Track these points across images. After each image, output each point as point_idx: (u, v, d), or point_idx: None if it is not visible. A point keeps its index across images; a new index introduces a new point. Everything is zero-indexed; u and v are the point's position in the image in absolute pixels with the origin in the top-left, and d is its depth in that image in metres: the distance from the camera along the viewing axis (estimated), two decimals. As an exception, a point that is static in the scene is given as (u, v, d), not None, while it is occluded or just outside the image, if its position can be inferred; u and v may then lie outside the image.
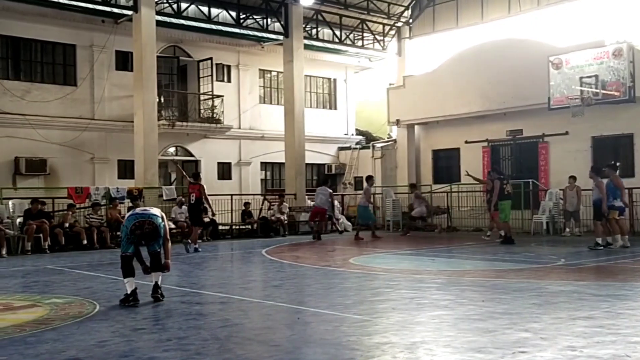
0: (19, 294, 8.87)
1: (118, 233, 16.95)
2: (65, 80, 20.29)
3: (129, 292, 7.66)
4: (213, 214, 16.83)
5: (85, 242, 16.17)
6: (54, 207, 17.24)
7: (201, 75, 23.36)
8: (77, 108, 20.20)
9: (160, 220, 7.71)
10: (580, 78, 18.41)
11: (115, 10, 19.69)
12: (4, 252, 14.68)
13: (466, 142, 23.10)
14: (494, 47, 21.53)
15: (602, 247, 13.64)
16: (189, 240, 14.86)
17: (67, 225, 16.46)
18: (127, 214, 8.07)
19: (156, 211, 7.89)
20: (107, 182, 19.75)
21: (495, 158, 22.63)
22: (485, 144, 22.68)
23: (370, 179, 19.54)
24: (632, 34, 18.91)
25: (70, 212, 16.81)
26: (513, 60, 20.61)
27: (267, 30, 22.88)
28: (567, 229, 18.40)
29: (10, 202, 16.35)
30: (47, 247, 15.55)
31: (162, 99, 21.91)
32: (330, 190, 19.25)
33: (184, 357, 5.16)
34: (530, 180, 20.63)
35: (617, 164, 14.44)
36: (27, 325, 6.53)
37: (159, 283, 7.99)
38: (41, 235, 15.57)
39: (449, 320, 6.49)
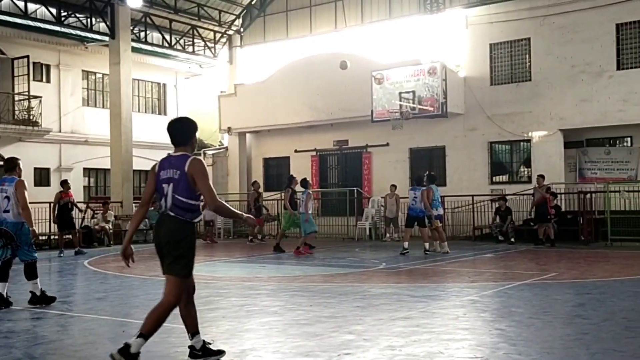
0: None
1: None
2: None
3: (39, 292, 8.15)
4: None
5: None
6: None
7: (16, 74, 21.66)
8: None
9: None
10: (400, 93, 19.66)
11: None
12: None
13: (296, 150, 23.69)
14: (322, 60, 22.29)
15: (407, 252, 14.11)
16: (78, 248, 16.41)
17: None
18: (23, 220, 8.05)
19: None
20: None
21: (324, 167, 23.43)
22: (314, 153, 23.40)
23: (294, 181, 16.34)
24: (445, 54, 20.59)
25: None
26: (340, 73, 21.42)
27: (91, 30, 21.77)
28: (388, 235, 19.51)
29: None
30: None
31: (-30, 98, 19.97)
32: None
33: (-8, 380, 4.72)
34: (355, 188, 21.60)
35: (433, 173, 15.45)
36: None
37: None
38: None
39: (279, 326, 6.59)
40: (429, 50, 20.81)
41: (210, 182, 4.95)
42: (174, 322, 6.75)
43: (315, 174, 23.41)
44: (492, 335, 6.00)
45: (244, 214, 5.35)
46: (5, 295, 8.08)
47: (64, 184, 16.91)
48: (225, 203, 5.13)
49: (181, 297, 5.06)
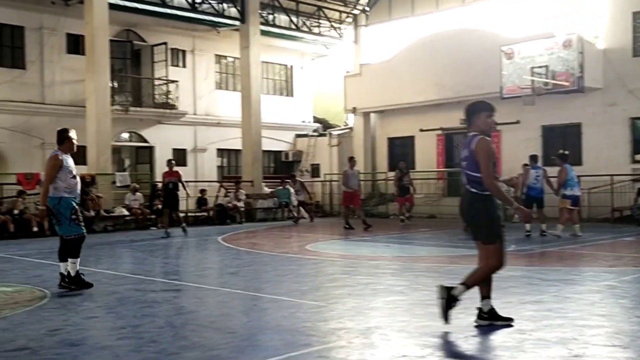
0: (-34, 283, 8.63)
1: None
2: (13, 63, 19.70)
3: (74, 273, 7.69)
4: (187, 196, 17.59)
5: (35, 229, 15.79)
6: (2, 194, 16.78)
7: (155, 60, 22.97)
8: (26, 92, 19.65)
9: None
10: (532, 68, 18.80)
11: (66, -9, 19.20)
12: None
13: (421, 130, 23.37)
14: (449, 36, 21.78)
15: (529, 234, 13.62)
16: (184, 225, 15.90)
17: (16, 212, 16.04)
18: (61, 196, 7.62)
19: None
20: (58, 168, 19.27)
21: (449, 146, 22.98)
22: (440, 132, 22.98)
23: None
24: (582, 25, 19.38)
25: (20, 199, 16.38)
26: (467, 49, 20.89)
27: (223, 16, 22.60)
28: (517, 216, 18.78)
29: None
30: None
31: (116, 84, 21.48)
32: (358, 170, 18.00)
33: (138, 345, 5.11)
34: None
35: (566, 152, 14.64)
36: (-26, 315, 6.37)
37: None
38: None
39: (404, 305, 6.60)
40: (563, 22, 19.67)
41: (489, 162, 5.39)
42: (302, 299, 6.98)
43: (441, 154, 23.01)
44: (632, 323, 5.66)
45: (515, 203, 5.91)
46: (73, 274, 7.70)
47: (168, 163, 16.20)
48: (498, 185, 5.55)
49: (502, 261, 5.59)
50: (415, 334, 5.33)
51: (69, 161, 7.75)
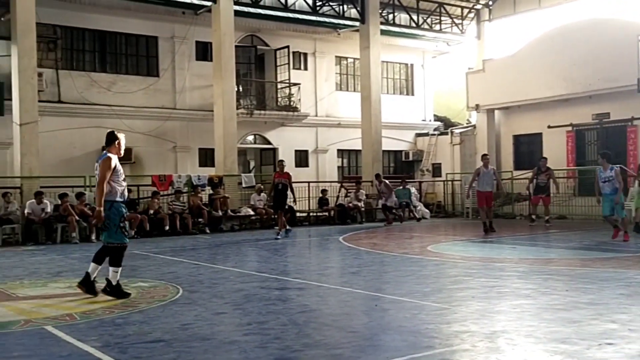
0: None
1: (200, 220, 17.53)
2: (148, 71, 20.97)
3: (115, 282, 7.40)
4: (294, 202, 17.68)
5: (167, 227, 16.71)
6: (139, 194, 17.89)
7: (278, 64, 23.58)
8: (159, 98, 20.86)
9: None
10: (674, 57, 17.43)
11: (195, 1, 20.10)
12: (93, 237, 15.40)
13: (549, 126, 22.33)
14: (579, 27, 20.67)
15: None
16: (288, 227, 15.75)
17: (151, 211, 17.07)
18: (114, 199, 7.36)
19: None
20: (189, 169, 20.33)
21: (580, 143, 21.80)
22: (570, 128, 21.85)
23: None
24: None
25: (155, 199, 17.40)
26: (599, 40, 19.72)
27: (343, 17, 22.80)
28: None
29: (99, 190, 17.08)
30: (133, 234, 16.18)
31: (241, 88, 22.28)
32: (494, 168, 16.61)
33: (263, 342, 5.26)
34: (617, 165, 19.70)
35: None
36: (115, 308, 6.83)
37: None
38: (128, 222, 16.22)
39: (531, 309, 6.32)
40: None
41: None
42: (424, 300, 6.88)
43: (571, 151, 21.87)
44: None
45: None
46: (114, 283, 7.44)
47: (279, 164, 16.15)
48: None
49: None
50: (543, 340, 5.09)
51: (119, 164, 7.51)
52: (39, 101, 16.85)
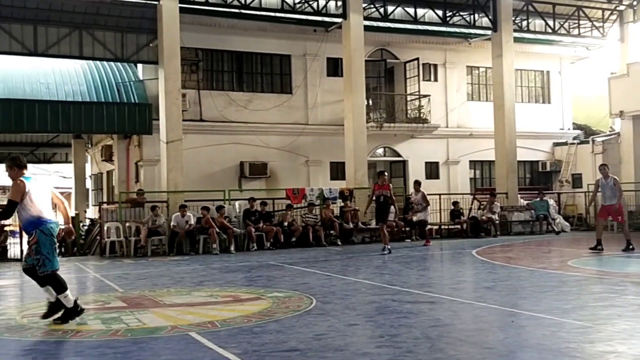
0: (245, 287, 9.68)
1: (332, 232, 17.82)
2: (282, 88, 21.70)
3: (72, 304, 6.90)
4: (396, 215, 17.30)
5: (293, 239, 17.15)
6: (274, 207, 18.51)
7: (408, 76, 23.51)
8: (292, 114, 21.51)
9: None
10: None
11: (326, 19, 20.61)
12: (232, 248, 16.14)
13: None
14: None
15: None
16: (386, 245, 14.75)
17: (286, 224, 17.59)
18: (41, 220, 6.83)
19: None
20: (321, 183, 20.75)
21: None
22: None
23: None
24: None
25: (289, 212, 17.92)
26: None
27: (474, 26, 22.36)
28: None
29: (236, 203, 17.93)
30: (269, 245, 16.78)
31: (371, 102, 22.46)
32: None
33: (396, 355, 5.25)
34: None
35: None
36: (253, 317, 7.11)
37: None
38: (264, 234, 16.88)
39: (687, 331, 5.83)
40: None
41: None
42: (565, 317, 6.56)
43: None
44: None
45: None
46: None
47: (380, 175, 15.43)
48: None
49: None
50: (702, 365, 4.68)
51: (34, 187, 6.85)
52: (183, 120, 17.97)
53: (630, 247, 13.57)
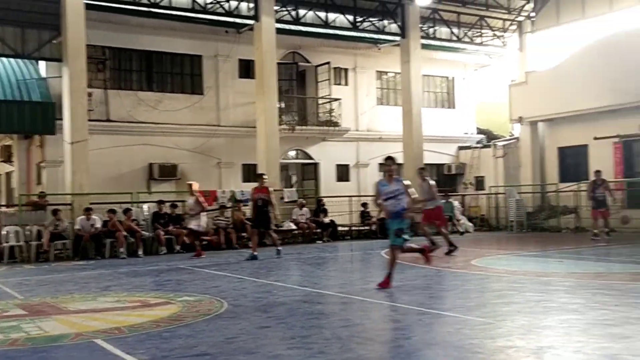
0: (154, 291, 9.47)
1: (243, 234, 17.72)
2: (193, 89, 21.38)
3: None
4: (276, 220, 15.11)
5: (204, 242, 16.89)
6: (185, 210, 18.16)
7: (319, 80, 23.76)
8: (204, 115, 21.23)
9: None
10: None
11: (238, 20, 20.46)
12: (140, 252, 15.74)
13: (595, 138, 21.87)
14: (627, 36, 20.32)
15: None
16: (279, 248, 14.50)
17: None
18: None
19: None
20: (232, 185, 20.59)
21: (628, 154, 21.31)
22: (617, 139, 21.37)
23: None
24: None
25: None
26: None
27: (383, 32, 22.88)
28: None
29: (145, 206, 17.49)
30: (179, 248, 16.48)
31: (283, 104, 22.52)
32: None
33: (307, 356, 5.30)
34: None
35: None
36: (162, 322, 6.96)
37: None
38: (173, 237, 16.56)
39: (579, 325, 6.21)
40: None
41: None
42: (468, 314, 6.83)
43: (619, 163, 21.36)
44: None
45: None
46: None
47: (258, 177, 14.78)
48: None
49: None
50: (592, 356, 5.00)
51: None
52: (89, 120, 17.34)
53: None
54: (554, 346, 5.37)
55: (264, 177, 14.67)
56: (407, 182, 9.22)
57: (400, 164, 14.70)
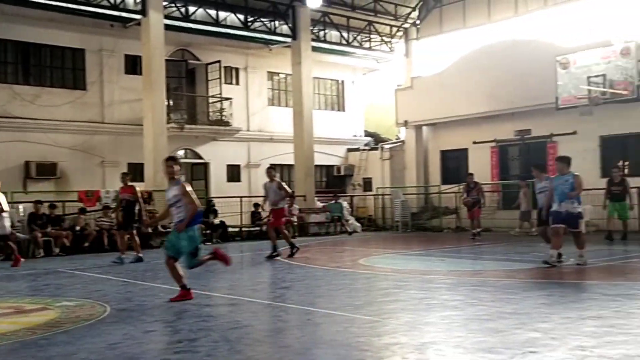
0: (30, 297, 8.94)
1: (127, 235, 17.09)
2: (75, 84, 20.41)
3: None
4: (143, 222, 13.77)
5: (86, 244, 16.27)
6: (64, 211, 17.34)
7: (210, 78, 23.44)
8: (86, 112, 20.32)
9: None
10: (588, 77, 18.40)
11: (124, 14, 19.74)
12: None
13: (474, 142, 23.08)
14: (502, 47, 21.53)
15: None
16: (140, 255, 13.65)
17: (78, 228, 16.55)
18: None
19: None
20: (117, 185, 19.79)
21: (504, 158, 22.62)
22: (494, 144, 22.65)
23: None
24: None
25: (81, 216, 16.89)
26: (521, 60, 20.57)
27: (275, 33, 22.92)
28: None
29: (20, 206, 16.46)
30: (58, 251, 15.67)
31: (172, 102, 22.01)
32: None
33: (194, 359, 5.19)
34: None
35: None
36: (38, 328, 6.58)
37: None
38: (52, 239, 15.72)
39: (459, 320, 6.50)
40: (620, 29, 19.18)
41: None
42: (356, 313, 6.96)
43: (495, 166, 22.65)
44: None
45: None
46: None
47: (122, 177, 13.85)
48: None
49: None
50: (471, 350, 5.24)
51: None
52: (-43, 114, 16.12)
53: (275, 253, 13.47)
54: (436, 342, 5.58)
55: (127, 176, 13.85)
56: (184, 183, 8.01)
57: (273, 166, 14.39)
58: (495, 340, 5.53)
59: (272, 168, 14.28)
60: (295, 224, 20.85)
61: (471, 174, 18.48)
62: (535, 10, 22.34)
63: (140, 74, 19.80)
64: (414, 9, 26.07)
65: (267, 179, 13.87)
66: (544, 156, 21.24)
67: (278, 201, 13.57)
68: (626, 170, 15.56)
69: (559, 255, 10.83)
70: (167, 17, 19.71)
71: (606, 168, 18.46)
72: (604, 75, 18.14)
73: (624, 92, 17.80)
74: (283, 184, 13.96)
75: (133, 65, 21.17)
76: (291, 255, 13.47)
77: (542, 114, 20.48)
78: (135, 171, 20.50)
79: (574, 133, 20.37)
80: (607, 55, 18.24)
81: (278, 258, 13.31)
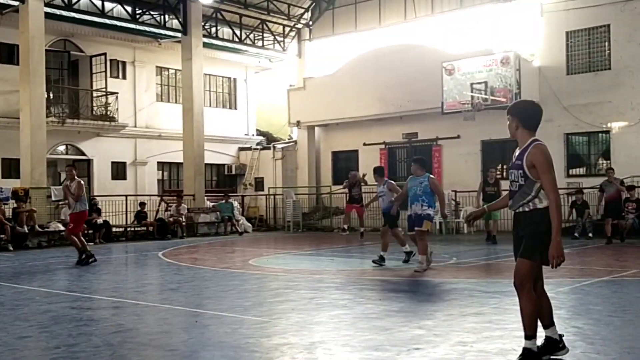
0: None
1: (2, 236, 16.05)
2: (-57, 72, 18.91)
3: None
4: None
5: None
6: None
7: (94, 71, 22.46)
8: (-44, 102, 18.87)
9: None
10: (471, 84, 19.28)
11: (1, 0, 18.52)
12: None
13: (364, 144, 23.59)
14: (391, 51, 22.11)
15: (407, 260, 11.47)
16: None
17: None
18: None
19: None
20: (-10, 181, 18.55)
21: (392, 160, 23.26)
22: (383, 146, 23.24)
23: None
24: (519, 44, 20.02)
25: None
26: (409, 65, 21.24)
27: (164, 27, 22.32)
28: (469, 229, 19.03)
29: None
30: None
31: (52, 95, 20.87)
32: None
33: (73, 366, 4.91)
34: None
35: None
36: None
37: None
38: None
39: (347, 319, 6.57)
40: (501, 39, 20.30)
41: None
42: (245, 314, 6.87)
43: (384, 167, 23.24)
44: (569, 334, 5.78)
45: None
46: None
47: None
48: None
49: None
50: (358, 348, 5.30)
51: None
52: None
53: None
54: (325, 341, 5.60)
55: None
56: None
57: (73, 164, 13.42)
58: (382, 338, 5.63)
59: (72, 166, 12.81)
60: (184, 224, 20.38)
61: (354, 172, 18.15)
62: (423, 17, 23.15)
63: (18, 63, 18.63)
64: (306, 9, 26.28)
65: (67, 181, 12.39)
66: (429, 159, 22.08)
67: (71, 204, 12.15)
68: (505, 174, 16.43)
69: (382, 258, 11.15)
70: (47, 4, 18.68)
71: (486, 171, 19.42)
72: (485, 82, 19.08)
73: (503, 100, 18.80)
74: (82, 184, 12.33)
75: (9, 54, 19.93)
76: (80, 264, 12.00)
77: (428, 118, 21.26)
78: (11, 167, 19.32)
79: (458, 137, 21.31)
80: (489, 63, 19.21)
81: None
